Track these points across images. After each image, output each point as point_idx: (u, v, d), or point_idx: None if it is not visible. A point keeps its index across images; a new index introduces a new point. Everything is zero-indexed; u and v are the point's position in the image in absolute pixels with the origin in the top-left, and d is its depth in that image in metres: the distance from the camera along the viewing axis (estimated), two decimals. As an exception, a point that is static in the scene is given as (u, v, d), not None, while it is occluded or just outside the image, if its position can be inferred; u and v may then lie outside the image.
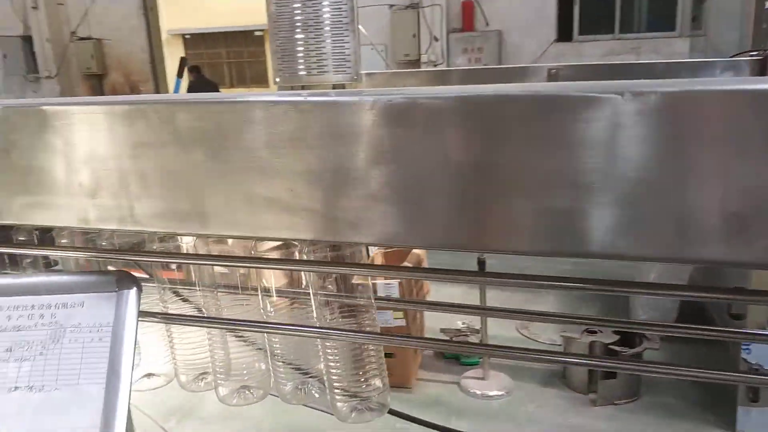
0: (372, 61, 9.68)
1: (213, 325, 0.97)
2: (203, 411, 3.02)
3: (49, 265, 0.96)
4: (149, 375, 1.12)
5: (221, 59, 18.01)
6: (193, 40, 18.02)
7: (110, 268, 0.93)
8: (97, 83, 10.08)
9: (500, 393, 3.09)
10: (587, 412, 2.93)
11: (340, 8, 3.15)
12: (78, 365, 0.77)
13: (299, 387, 1.03)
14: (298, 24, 3.19)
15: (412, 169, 0.59)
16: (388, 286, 3.07)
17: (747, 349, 2.64)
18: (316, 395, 1.03)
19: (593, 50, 8.95)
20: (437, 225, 0.61)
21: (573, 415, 2.91)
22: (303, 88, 3.03)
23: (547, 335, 3.62)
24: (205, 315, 1.00)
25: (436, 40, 9.26)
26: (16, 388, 0.75)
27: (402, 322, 3.11)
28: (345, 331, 0.94)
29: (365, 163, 0.61)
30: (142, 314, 0.82)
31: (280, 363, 1.02)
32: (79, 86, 9.98)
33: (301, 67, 3.20)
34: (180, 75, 5.77)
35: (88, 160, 0.74)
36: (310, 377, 1.02)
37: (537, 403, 3.02)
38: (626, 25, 8.84)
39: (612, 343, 2.99)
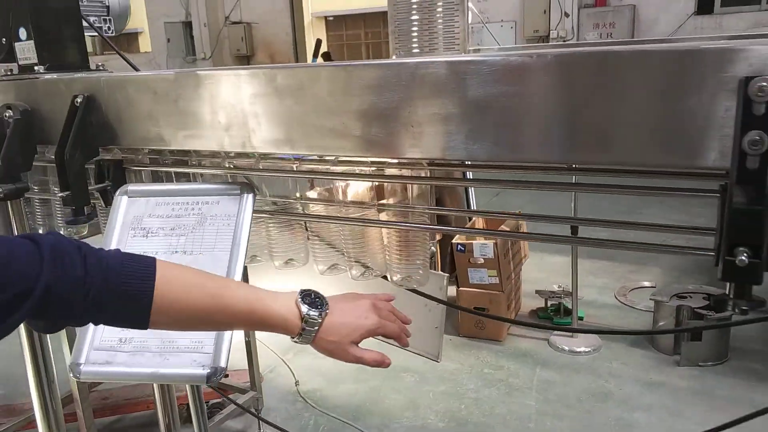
0: (503, 37, 9.79)
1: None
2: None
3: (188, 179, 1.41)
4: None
5: (360, 40, 18.76)
6: (335, 22, 18.95)
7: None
8: (245, 63, 11.11)
9: (588, 349, 3.29)
10: (671, 371, 3.06)
11: (450, -10, 3.43)
12: (214, 239, 1.20)
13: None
14: (414, 6, 3.53)
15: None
16: (484, 246, 3.36)
17: (839, 319, 2.64)
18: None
19: (736, 23, 8.40)
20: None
21: (656, 373, 3.05)
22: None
23: (644, 303, 3.72)
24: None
25: (567, 15, 9.15)
26: (176, 251, 1.20)
27: (496, 280, 3.40)
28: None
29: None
30: (256, 211, 1.23)
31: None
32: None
33: (415, 45, 3.55)
34: (315, 56, 6.33)
35: (224, 105, 1.15)
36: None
37: (622, 360, 3.19)
38: (778, -7, 8.19)
39: (700, 308, 3.08)
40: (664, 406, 2.81)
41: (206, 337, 1.08)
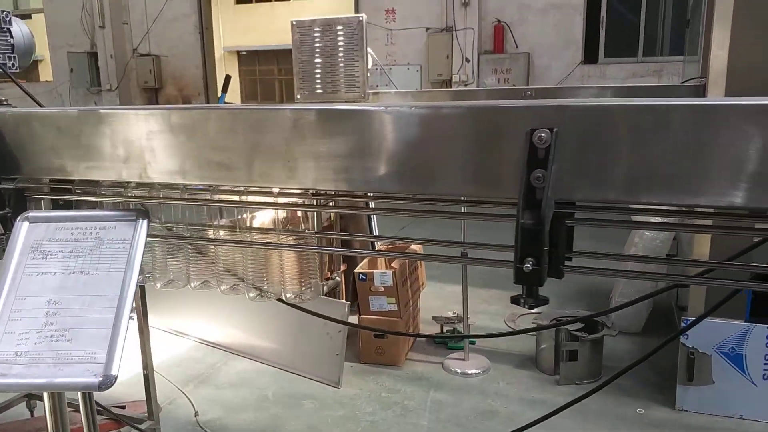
0: (410, 79, 10.26)
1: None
2: (217, 379, 3.57)
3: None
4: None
5: (273, 75, 18.94)
6: (248, 57, 19.09)
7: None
8: (153, 96, 11.00)
9: (477, 371, 3.53)
10: (551, 390, 3.34)
11: (352, 38, 3.69)
12: (110, 261, 1.31)
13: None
14: (317, 50, 3.76)
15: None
16: (384, 275, 3.56)
17: (685, 335, 3.03)
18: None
19: (617, 72, 9.27)
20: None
21: (538, 392, 3.33)
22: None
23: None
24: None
25: (468, 61, 9.74)
26: (73, 272, 1.30)
27: (395, 307, 3.60)
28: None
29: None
30: (151, 235, 1.36)
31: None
32: (137, 98, 10.92)
33: (318, 86, 3.77)
34: (224, 90, 6.45)
35: (123, 141, 1.28)
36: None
37: (507, 380, 3.45)
38: (649, 49, 9.15)
39: (575, 330, 3.41)
40: (544, 422, 3.07)
41: (99, 348, 1.18)
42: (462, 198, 1.09)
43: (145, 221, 1.35)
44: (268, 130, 1.12)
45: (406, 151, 1.02)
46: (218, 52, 14.90)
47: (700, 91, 3.14)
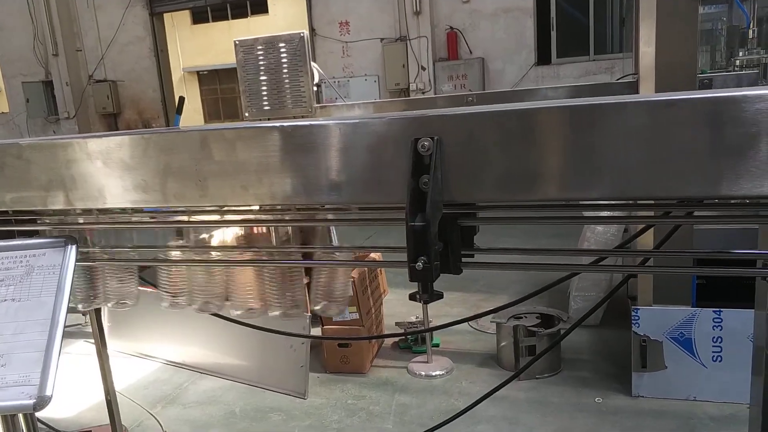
0: (368, 90, 10.36)
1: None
2: (185, 398, 3.57)
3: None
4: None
5: (235, 93, 18.90)
6: (208, 77, 19.07)
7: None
8: (112, 121, 10.92)
9: (441, 373, 3.59)
10: (512, 386, 3.39)
11: (295, 54, 3.75)
12: (40, 287, 1.34)
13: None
14: (262, 68, 3.81)
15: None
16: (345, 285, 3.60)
17: (636, 323, 3.13)
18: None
19: (571, 72, 9.48)
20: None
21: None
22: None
23: (493, 328, 4.11)
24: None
25: (423, 69, 9.88)
26: (5, 300, 1.32)
27: (356, 316, 3.64)
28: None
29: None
30: (79, 260, 1.39)
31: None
32: (96, 125, 10.83)
33: (266, 103, 3.82)
34: (179, 112, 6.45)
35: (44, 170, 1.32)
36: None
37: (470, 379, 3.52)
38: (600, 47, 9.39)
39: (533, 326, 3.49)
40: (505, 417, 3.14)
41: (32, 371, 1.22)
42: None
43: (74, 247, 1.39)
44: (177, 152, 1.17)
45: (307, 164, 1.08)
46: (177, 74, 14.86)
47: (634, 87, 3.27)
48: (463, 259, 1.14)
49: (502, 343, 3.63)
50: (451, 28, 9.71)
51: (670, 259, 2.31)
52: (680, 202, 1.06)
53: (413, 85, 9.95)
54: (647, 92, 3.19)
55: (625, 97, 0.95)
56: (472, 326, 4.27)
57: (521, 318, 3.60)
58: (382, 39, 10.06)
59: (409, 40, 9.85)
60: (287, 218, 1.50)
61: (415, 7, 9.68)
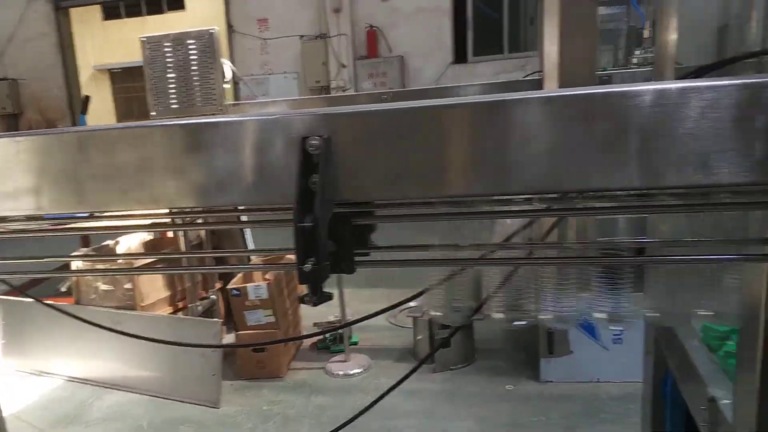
0: (288, 88, 10.25)
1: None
2: (88, 416, 3.40)
3: None
4: None
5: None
6: (121, 75, 18.26)
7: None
8: (12, 122, 10.26)
9: (359, 371, 3.61)
10: (428, 378, 3.48)
11: (204, 51, 3.65)
12: None
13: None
14: (170, 65, 3.69)
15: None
16: (258, 287, 3.55)
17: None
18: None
19: (486, 70, 9.73)
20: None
21: (416, 382, 3.45)
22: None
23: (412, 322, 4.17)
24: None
25: (344, 66, 9.87)
26: None
27: (272, 319, 3.60)
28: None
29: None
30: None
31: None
32: (-5, 126, 10.17)
33: (174, 101, 3.71)
34: (84, 112, 6.16)
35: None
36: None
37: (388, 375, 3.55)
38: (514, 45, 9.69)
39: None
40: (421, 410, 3.19)
41: None
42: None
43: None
44: (52, 155, 1.11)
45: (191, 165, 1.05)
46: (87, 72, 14.15)
47: (538, 84, 3.39)
48: (359, 258, 1.15)
49: (419, 337, 3.69)
50: (371, 26, 9.75)
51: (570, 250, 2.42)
52: (568, 195, 1.11)
53: (334, 82, 9.93)
54: (551, 89, 3.31)
55: (503, 95, 0.98)
56: (390, 322, 4.31)
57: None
58: (301, 36, 9.97)
59: (329, 37, 9.81)
60: (179, 222, 1.46)
61: (335, 5, 9.65)
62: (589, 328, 3.26)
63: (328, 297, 1.05)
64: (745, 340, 1.12)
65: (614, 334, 3.26)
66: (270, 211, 1.14)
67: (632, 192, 1.09)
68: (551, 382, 3.31)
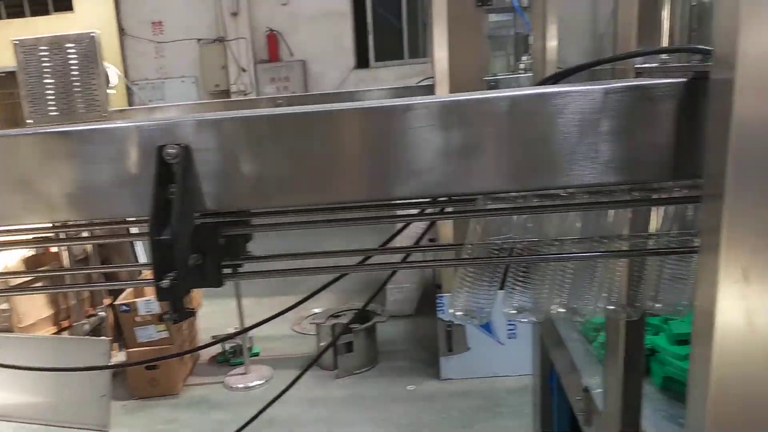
0: (188, 93, 9.91)
1: None
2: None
3: None
4: None
5: (14, 99, 17.03)
6: (4, 80, 17.01)
7: None
8: None
9: (260, 382, 3.53)
10: (331, 385, 3.45)
11: (85, 55, 3.45)
12: None
13: None
14: (47, 70, 3.46)
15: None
16: (149, 302, 3.39)
17: (441, 309, 3.31)
18: None
19: (388, 75, 9.84)
20: None
21: (319, 389, 3.42)
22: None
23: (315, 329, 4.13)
24: None
25: (244, 71, 9.68)
26: None
27: (166, 334, 3.44)
28: None
29: None
30: None
31: None
32: None
33: (53, 108, 3.47)
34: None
35: None
36: None
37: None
38: (413, 51, 9.87)
39: (350, 322, 3.56)
40: (324, 417, 3.17)
41: None
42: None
43: None
44: None
45: (42, 178, 0.97)
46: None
47: (431, 89, 3.46)
48: (230, 270, 1.10)
49: (322, 344, 3.66)
50: (271, 30, 9.63)
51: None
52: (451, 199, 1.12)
53: (234, 87, 9.72)
54: (443, 94, 3.39)
55: (365, 103, 0.98)
56: (294, 330, 4.25)
57: (339, 316, 3.66)
58: (199, 40, 9.69)
59: (228, 41, 9.60)
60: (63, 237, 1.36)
61: (233, 8, 9.46)
62: (486, 325, 3.35)
63: (190, 314, 1.01)
64: (610, 331, 1.17)
65: (509, 329, 3.37)
66: (133, 223, 1.07)
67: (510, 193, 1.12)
68: (451, 379, 3.38)
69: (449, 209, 1.11)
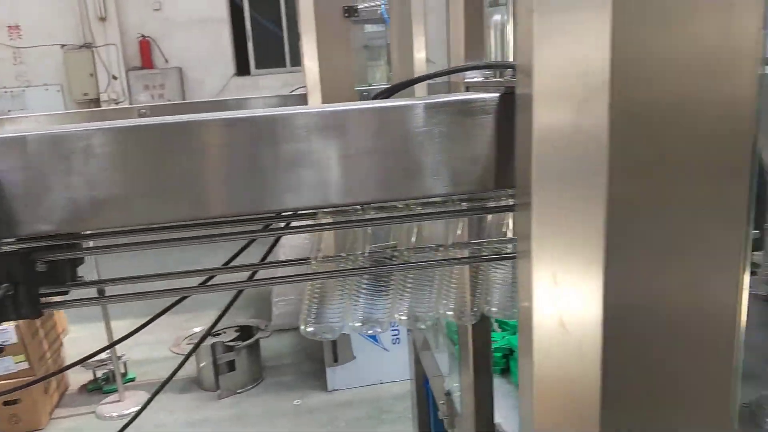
0: (53, 102, 9.22)
1: None
2: None
3: None
4: None
5: None
6: None
7: None
8: None
9: (136, 409, 3.31)
10: (213, 406, 3.32)
11: None
12: None
13: None
14: None
15: None
16: (4, 331, 3.10)
17: (324, 323, 3.29)
18: None
19: (271, 83, 9.70)
20: None
21: (201, 411, 3.28)
22: None
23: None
24: None
25: (115, 78, 9.16)
26: None
27: (26, 365, 3.16)
28: None
29: None
30: None
31: None
32: None
33: None
34: None
35: None
36: None
37: (170, 409, 3.32)
38: (295, 59, 9.78)
39: (231, 340, 3.44)
40: (206, 439, 3.04)
41: None
42: None
43: None
44: None
45: None
46: None
47: (304, 99, 3.42)
48: (54, 298, 1.01)
49: (202, 364, 3.51)
50: (143, 35, 9.19)
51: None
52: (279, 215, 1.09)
53: (104, 95, 9.18)
54: (315, 104, 3.37)
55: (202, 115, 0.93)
56: (173, 351, 4.05)
57: (220, 334, 3.53)
58: (63, 45, 9.05)
59: (97, 47, 9.05)
60: None
61: (100, 12, 8.93)
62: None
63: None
64: (461, 335, 1.20)
65: (393, 335, 3.40)
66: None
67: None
68: (338, 390, 3.35)
69: (296, 223, 1.09)
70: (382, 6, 3.21)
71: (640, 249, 0.65)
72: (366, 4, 2.81)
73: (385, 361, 3.39)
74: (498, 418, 1.21)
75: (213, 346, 3.41)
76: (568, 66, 0.63)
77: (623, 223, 0.65)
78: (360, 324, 0.98)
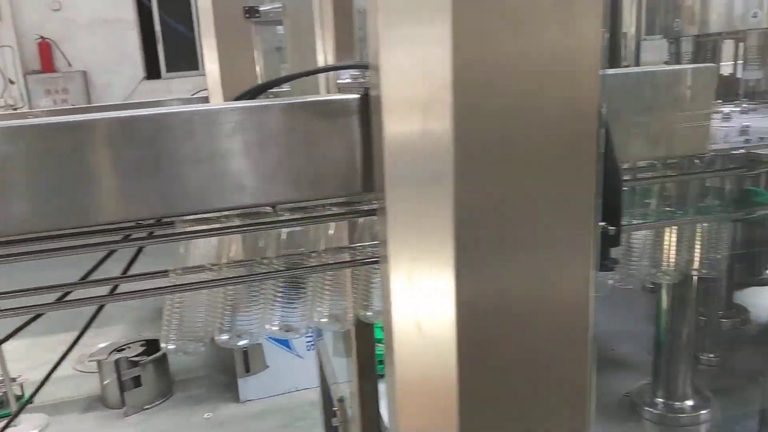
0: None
1: None
2: None
3: None
4: None
5: None
6: None
7: None
8: None
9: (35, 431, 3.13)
10: (118, 424, 3.17)
11: None
12: None
13: None
14: None
15: None
16: None
17: (235, 332, 3.21)
18: None
19: (183, 86, 9.39)
20: None
21: (104, 430, 3.12)
22: None
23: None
24: None
25: (12, 83, 8.64)
26: None
27: None
28: None
29: None
30: None
31: None
32: None
33: None
34: None
35: None
36: None
37: (72, 431, 3.14)
38: (208, 62, 9.54)
39: (136, 355, 3.30)
40: (109, 461, 2.89)
41: None
42: None
43: None
44: None
45: None
46: None
47: (205, 100, 3.33)
48: None
49: (106, 381, 3.35)
50: (42, 37, 8.70)
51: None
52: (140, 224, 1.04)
53: (1, 100, 8.62)
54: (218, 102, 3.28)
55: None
56: (76, 369, 3.84)
57: (124, 349, 3.37)
58: (-49, 48, 8.46)
59: (-11, 49, 8.50)
60: None
61: (-7, 13, 8.40)
62: (283, 340, 3.31)
63: None
64: (347, 341, 1.19)
65: (308, 341, 3.36)
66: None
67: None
68: (251, 400, 3.28)
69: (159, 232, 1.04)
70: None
71: (489, 249, 0.65)
72: (270, 6, 2.76)
73: (300, 368, 3.34)
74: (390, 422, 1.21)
75: (117, 362, 3.26)
76: (412, 67, 0.63)
77: (472, 224, 0.65)
78: (227, 337, 0.95)
